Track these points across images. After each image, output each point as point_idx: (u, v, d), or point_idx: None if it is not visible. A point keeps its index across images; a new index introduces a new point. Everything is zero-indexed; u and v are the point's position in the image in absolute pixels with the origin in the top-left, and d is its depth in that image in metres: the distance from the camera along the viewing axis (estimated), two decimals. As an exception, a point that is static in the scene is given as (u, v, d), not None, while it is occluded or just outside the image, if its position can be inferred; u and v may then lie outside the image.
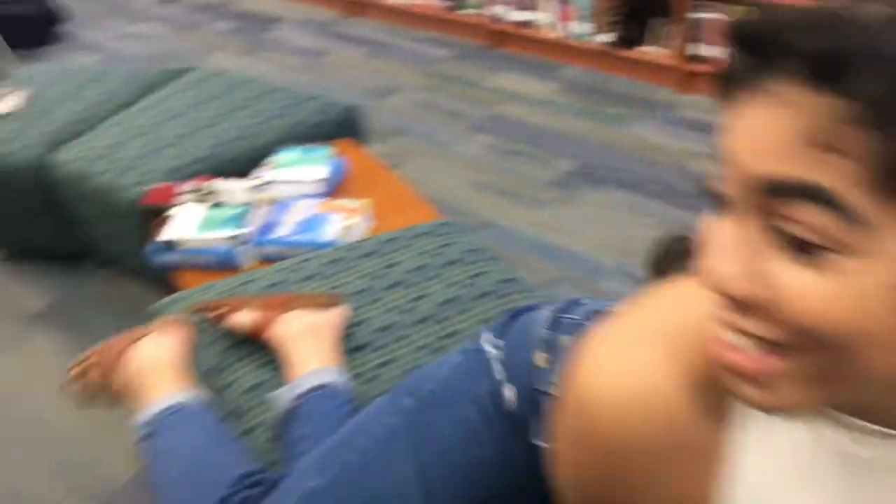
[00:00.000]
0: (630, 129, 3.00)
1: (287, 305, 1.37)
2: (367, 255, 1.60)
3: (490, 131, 3.09)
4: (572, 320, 0.85)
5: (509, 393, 0.86)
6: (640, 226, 2.46)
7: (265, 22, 4.41)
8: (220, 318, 1.40)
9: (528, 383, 0.85)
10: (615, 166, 2.77)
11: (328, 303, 1.40)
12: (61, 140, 2.31)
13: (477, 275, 1.51)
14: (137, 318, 2.22)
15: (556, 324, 0.86)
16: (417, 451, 0.91)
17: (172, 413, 1.21)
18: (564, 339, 0.83)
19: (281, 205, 1.84)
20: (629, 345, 0.59)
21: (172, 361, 1.32)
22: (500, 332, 0.92)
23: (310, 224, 1.77)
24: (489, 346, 0.91)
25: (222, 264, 1.73)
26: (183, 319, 1.40)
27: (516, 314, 0.95)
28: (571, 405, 0.61)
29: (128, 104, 2.49)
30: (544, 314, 0.89)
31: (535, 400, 0.84)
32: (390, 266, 1.55)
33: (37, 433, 1.93)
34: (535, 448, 0.83)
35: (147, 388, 1.28)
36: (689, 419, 0.57)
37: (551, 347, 0.84)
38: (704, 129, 2.95)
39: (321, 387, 1.23)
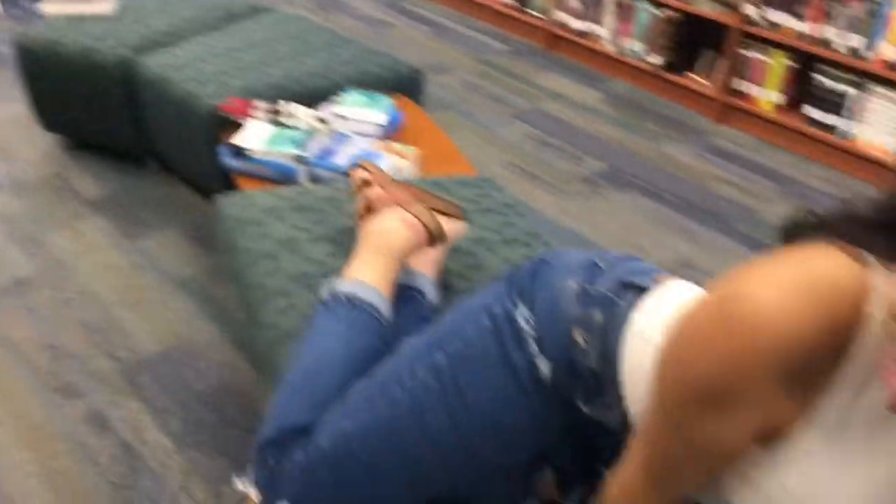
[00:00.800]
0: (662, 147, 3.18)
1: (420, 199, 1.40)
2: (412, 191, 1.78)
3: (530, 122, 3.27)
4: (601, 294, 0.96)
5: (545, 366, 0.97)
6: (655, 230, 2.63)
7: (337, -14, 4.60)
8: (364, 184, 1.45)
9: (567, 358, 0.96)
10: (642, 175, 2.95)
11: (455, 213, 1.44)
12: (148, 46, 2.50)
13: (507, 224, 1.70)
14: (186, 219, 2.43)
15: (585, 298, 0.97)
16: (451, 409, 1.00)
17: (355, 307, 1.21)
18: (597, 316, 0.94)
19: (340, 136, 2.03)
20: (787, 290, 0.67)
21: (400, 253, 1.31)
22: (529, 302, 1.00)
23: (364, 158, 1.95)
24: (522, 320, 1.00)
25: (282, 177, 1.93)
26: (432, 224, 1.36)
27: (535, 272, 1.05)
28: (723, 316, 0.68)
29: (212, 28, 2.69)
30: (571, 287, 0.98)
31: (575, 372, 0.96)
32: (432, 203, 1.74)
33: (82, 299, 2.12)
34: (570, 413, 0.97)
35: (366, 258, 1.29)
36: (820, 357, 0.67)
37: (588, 325, 0.95)
38: (732, 159, 3.13)
39: (418, 291, 1.35)
